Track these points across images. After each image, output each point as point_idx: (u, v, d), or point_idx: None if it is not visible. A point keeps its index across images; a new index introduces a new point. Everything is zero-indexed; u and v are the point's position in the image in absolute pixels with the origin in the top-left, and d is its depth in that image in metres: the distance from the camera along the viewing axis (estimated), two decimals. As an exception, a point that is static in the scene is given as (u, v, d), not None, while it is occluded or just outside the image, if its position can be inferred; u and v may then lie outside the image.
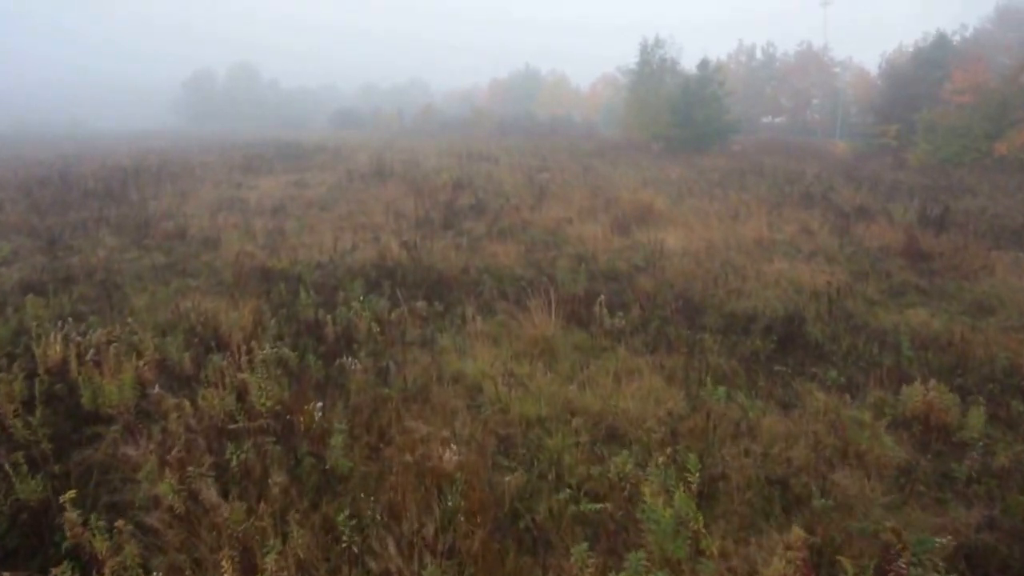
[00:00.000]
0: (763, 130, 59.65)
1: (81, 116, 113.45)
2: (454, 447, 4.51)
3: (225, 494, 4.06)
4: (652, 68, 38.54)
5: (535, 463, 4.76)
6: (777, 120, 66.55)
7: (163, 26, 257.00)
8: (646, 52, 38.59)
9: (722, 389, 5.62)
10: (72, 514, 3.54)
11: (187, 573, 3.56)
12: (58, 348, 6.05)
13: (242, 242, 12.34)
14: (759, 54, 64.32)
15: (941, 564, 3.29)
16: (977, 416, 5.15)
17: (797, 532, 3.32)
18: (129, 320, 7.06)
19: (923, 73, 31.21)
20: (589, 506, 4.13)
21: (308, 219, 15.31)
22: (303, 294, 7.80)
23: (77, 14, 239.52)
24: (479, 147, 37.18)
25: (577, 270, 9.89)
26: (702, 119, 35.03)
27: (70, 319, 6.86)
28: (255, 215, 15.87)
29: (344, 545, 3.50)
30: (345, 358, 6.29)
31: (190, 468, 4.08)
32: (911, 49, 59.07)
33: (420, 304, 7.49)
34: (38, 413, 5.03)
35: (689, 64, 39.85)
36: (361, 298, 7.93)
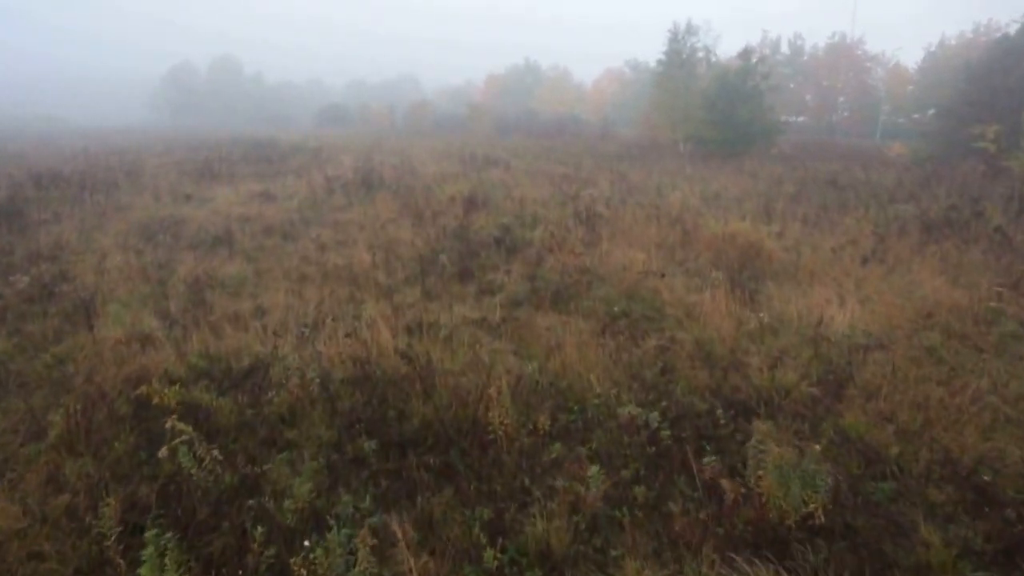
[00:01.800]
0: (787, 130, 55.48)
1: (57, 111, 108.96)
2: None
3: None
4: (682, 59, 33.92)
5: None
6: (800, 119, 62.35)
7: (149, 20, 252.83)
8: (676, 41, 33.97)
9: None
10: None
11: None
12: None
13: (138, 310, 7.76)
14: (785, 47, 59.99)
15: None
16: None
17: None
18: None
19: (1010, 64, 26.85)
20: None
21: (260, 258, 10.73)
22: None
23: (57, 5, 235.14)
24: (482, 149, 32.64)
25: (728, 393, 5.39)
26: (745, 117, 30.58)
27: None
28: (187, 249, 11.28)
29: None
30: None
31: None
32: (953, 41, 55.23)
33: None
34: None
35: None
36: (313, 540, 3.39)
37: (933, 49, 57.58)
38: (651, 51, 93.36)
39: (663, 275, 8.41)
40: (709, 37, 34.46)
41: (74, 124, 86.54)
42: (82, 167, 22.94)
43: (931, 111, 54.37)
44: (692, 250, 10.64)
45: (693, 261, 10.15)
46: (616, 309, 7.49)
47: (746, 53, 32.08)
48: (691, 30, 34.07)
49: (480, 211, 13.80)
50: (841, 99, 62.05)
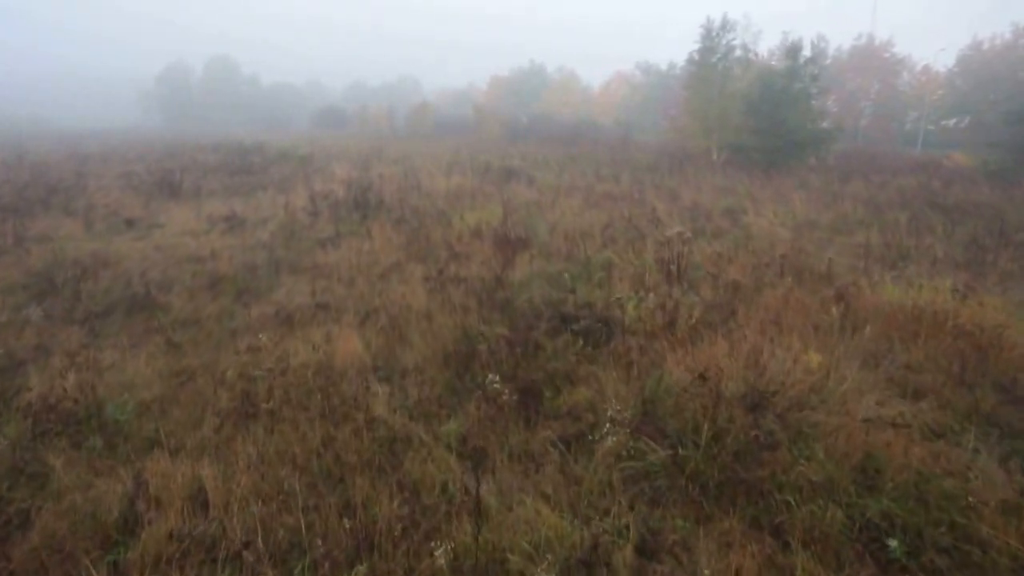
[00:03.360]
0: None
1: (49, 111, 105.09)
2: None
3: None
4: (716, 58, 29.81)
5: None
6: (824, 126, 58.48)
7: (149, 20, 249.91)
8: (709, 38, 29.90)
9: None
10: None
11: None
12: None
13: None
14: (808, 50, 55.92)
15: None
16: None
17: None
18: None
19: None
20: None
21: (186, 346, 6.66)
22: None
23: (58, 5, 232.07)
24: (495, 157, 28.62)
25: None
26: (795, 124, 26.65)
27: None
28: (81, 322, 7.23)
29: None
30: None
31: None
32: (986, 45, 51.37)
33: None
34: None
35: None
36: None
37: (967, 52, 53.98)
38: (659, 54, 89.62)
39: (907, 426, 4.32)
40: (748, 33, 30.39)
41: (61, 125, 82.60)
42: (18, 178, 18.83)
43: (967, 118, 50.74)
44: (877, 338, 6.56)
45: (890, 360, 6.08)
46: (892, 543, 3.39)
47: (793, 51, 28.12)
48: (727, 25, 30.00)
49: (520, 253, 9.72)
50: (864, 104, 58.14)
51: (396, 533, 3.55)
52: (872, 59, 53.98)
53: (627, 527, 3.71)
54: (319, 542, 3.47)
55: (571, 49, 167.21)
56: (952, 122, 51.31)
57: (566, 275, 8.45)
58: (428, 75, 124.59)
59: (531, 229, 11.04)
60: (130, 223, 12.92)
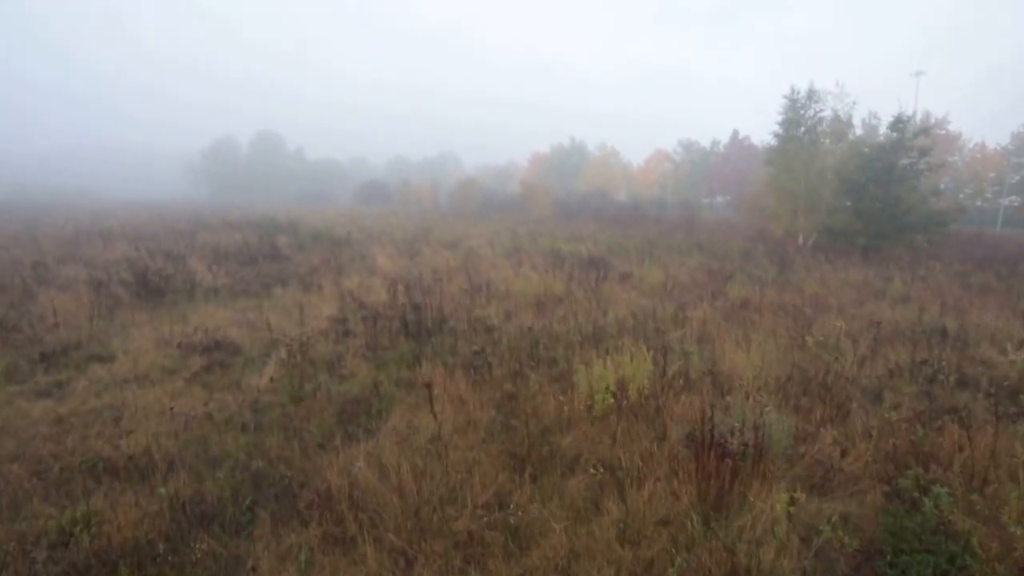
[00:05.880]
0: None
1: (98, 184, 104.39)
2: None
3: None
4: (803, 131, 24.83)
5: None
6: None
7: (199, 106, 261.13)
8: (794, 110, 25.04)
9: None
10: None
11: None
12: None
13: None
14: (859, 129, 51.63)
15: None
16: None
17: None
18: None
19: None
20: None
21: None
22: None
23: (110, 88, 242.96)
24: (558, 239, 23.65)
25: None
26: (912, 203, 21.66)
27: None
28: None
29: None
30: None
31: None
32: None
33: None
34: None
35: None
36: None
37: (1022, 130, 50.00)
38: (696, 136, 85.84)
39: None
40: (842, 104, 25.44)
41: (107, 196, 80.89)
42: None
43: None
44: None
45: None
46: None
47: (899, 123, 23.13)
48: (814, 96, 25.10)
49: (752, 479, 4.40)
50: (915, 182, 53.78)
51: None
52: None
53: None
54: None
55: (593, 137, 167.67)
56: (1007, 200, 47.17)
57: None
58: (465, 154, 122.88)
59: (701, 383, 5.71)
60: (50, 357, 7.92)
